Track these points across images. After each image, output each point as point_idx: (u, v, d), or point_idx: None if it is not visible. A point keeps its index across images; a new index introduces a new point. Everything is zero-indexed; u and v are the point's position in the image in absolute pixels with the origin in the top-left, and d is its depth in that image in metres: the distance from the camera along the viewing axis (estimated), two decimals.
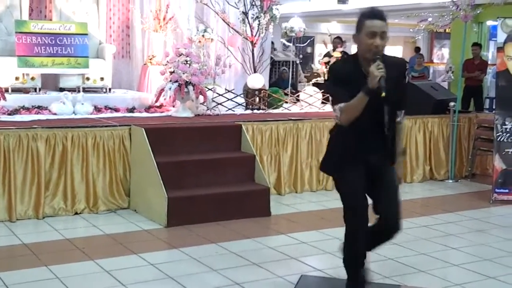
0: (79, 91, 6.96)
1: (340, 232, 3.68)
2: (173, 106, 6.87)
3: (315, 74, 12.01)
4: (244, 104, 7.41)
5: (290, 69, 9.52)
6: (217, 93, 7.11)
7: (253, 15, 7.42)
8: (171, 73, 6.41)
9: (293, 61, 10.88)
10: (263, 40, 7.64)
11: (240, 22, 7.50)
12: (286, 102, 7.60)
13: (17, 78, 6.89)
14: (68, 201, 5.39)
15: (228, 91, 7.34)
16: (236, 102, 7.26)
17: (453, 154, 7.48)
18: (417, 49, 16.97)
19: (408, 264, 4.37)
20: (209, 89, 6.95)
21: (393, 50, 20.28)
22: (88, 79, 7.26)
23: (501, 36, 6.75)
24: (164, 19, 8.06)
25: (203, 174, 5.61)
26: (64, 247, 4.58)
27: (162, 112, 6.89)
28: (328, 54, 10.00)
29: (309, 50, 20.06)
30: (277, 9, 7.54)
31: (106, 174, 5.55)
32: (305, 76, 13.76)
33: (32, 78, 6.97)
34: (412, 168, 7.33)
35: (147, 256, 4.39)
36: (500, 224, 5.66)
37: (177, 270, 4.15)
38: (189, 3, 8.38)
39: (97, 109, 6.59)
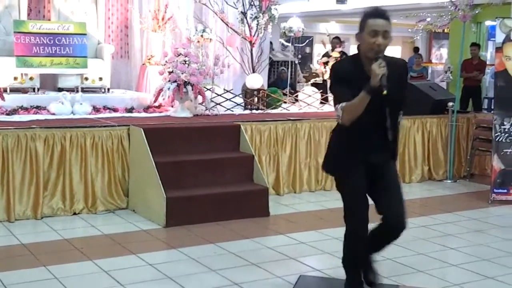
0: (77, 91, 6.96)
1: (339, 232, 3.68)
2: (172, 106, 6.87)
3: (314, 74, 12.00)
4: (243, 104, 7.40)
5: (289, 69, 9.54)
6: (216, 93, 7.11)
7: (252, 15, 7.42)
8: (170, 73, 6.41)
9: (291, 61, 10.90)
10: (261, 40, 7.64)
11: (238, 22, 7.49)
12: (285, 102, 7.60)
13: (15, 78, 6.88)
14: (67, 201, 5.39)
15: (227, 91, 7.34)
16: (235, 102, 7.26)
17: (451, 154, 7.48)
18: (416, 49, 16.99)
19: (407, 264, 4.37)
20: (207, 89, 6.95)
21: (392, 50, 20.28)
22: (86, 79, 7.26)
23: (500, 36, 6.76)
24: (162, 19, 8.06)
25: (202, 174, 5.60)
26: (63, 247, 4.58)
27: (160, 112, 6.89)
28: (326, 54, 9.97)
29: (307, 50, 20.06)
30: (276, 9, 7.54)
31: (104, 174, 5.55)
32: (303, 76, 13.74)
33: (31, 78, 6.96)
34: (410, 168, 7.33)
35: (145, 256, 4.39)
36: (499, 224, 5.67)
37: (176, 270, 4.14)
38: (187, 3, 8.38)
39: (96, 109, 6.58)
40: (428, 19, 8.48)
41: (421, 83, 8.44)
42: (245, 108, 7.37)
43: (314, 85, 9.12)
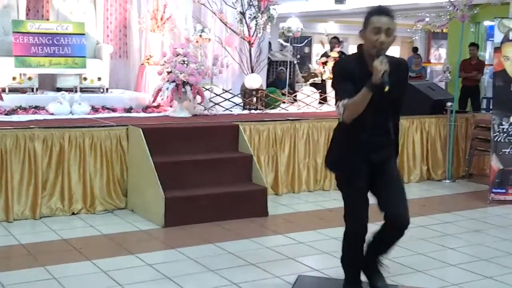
0: (76, 91, 6.95)
1: (337, 232, 3.68)
2: (171, 106, 6.87)
3: (313, 74, 12.03)
4: (242, 104, 7.40)
5: (288, 69, 9.54)
6: (215, 93, 7.10)
7: (251, 15, 7.41)
8: (169, 73, 6.41)
9: (290, 61, 10.91)
10: (260, 40, 7.63)
11: (237, 22, 7.49)
12: (284, 102, 7.60)
13: (14, 78, 6.87)
14: (65, 201, 5.39)
15: (226, 91, 7.33)
16: (234, 102, 7.26)
17: (450, 154, 7.48)
18: (415, 49, 16.97)
19: (405, 264, 4.37)
20: (206, 89, 6.95)
21: (391, 50, 20.24)
22: (85, 79, 7.25)
23: (498, 36, 6.75)
24: (161, 19, 8.05)
25: (201, 174, 5.60)
26: (61, 248, 4.57)
27: (159, 112, 6.88)
28: (325, 54, 9.99)
29: (306, 50, 20.06)
30: (275, 9, 7.54)
31: (103, 174, 5.54)
32: (302, 76, 13.76)
33: (29, 78, 6.96)
34: (409, 168, 7.33)
35: (144, 257, 4.38)
36: (497, 224, 5.67)
37: (175, 270, 4.14)
38: (186, 3, 8.36)
39: (94, 109, 6.58)
40: (427, 19, 8.46)
41: (420, 83, 8.44)
42: (244, 108, 7.37)
43: (313, 85, 9.13)
